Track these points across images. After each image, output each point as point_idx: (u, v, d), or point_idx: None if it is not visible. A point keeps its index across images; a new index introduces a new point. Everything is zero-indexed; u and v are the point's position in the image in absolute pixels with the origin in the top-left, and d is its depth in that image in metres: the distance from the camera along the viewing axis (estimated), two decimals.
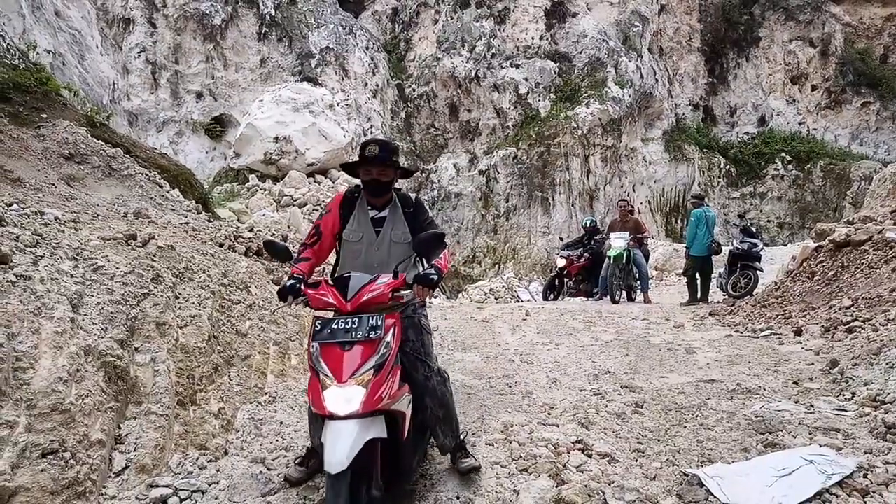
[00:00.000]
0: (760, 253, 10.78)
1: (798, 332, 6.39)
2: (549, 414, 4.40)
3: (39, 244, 3.67)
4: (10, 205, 4.28)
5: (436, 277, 2.99)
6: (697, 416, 4.24)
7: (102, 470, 3.02)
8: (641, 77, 26.49)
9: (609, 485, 3.27)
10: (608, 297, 11.28)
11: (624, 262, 11.12)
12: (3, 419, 2.67)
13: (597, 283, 12.44)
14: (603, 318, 8.41)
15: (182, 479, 3.28)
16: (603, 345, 6.71)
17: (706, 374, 5.28)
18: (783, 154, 27.46)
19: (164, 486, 3.16)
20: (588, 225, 13.96)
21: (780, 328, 6.80)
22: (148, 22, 21.57)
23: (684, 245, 12.11)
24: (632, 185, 26.11)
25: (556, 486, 3.25)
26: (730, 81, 29.72)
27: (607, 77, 25.77)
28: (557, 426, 4.12)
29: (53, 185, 5.79)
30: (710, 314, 8.44)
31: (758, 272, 10.54)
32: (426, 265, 3.18)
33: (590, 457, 3.63)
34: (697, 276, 10.97)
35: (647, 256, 12.42)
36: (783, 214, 27.11)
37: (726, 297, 10.66)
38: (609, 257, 11.10)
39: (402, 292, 2.99)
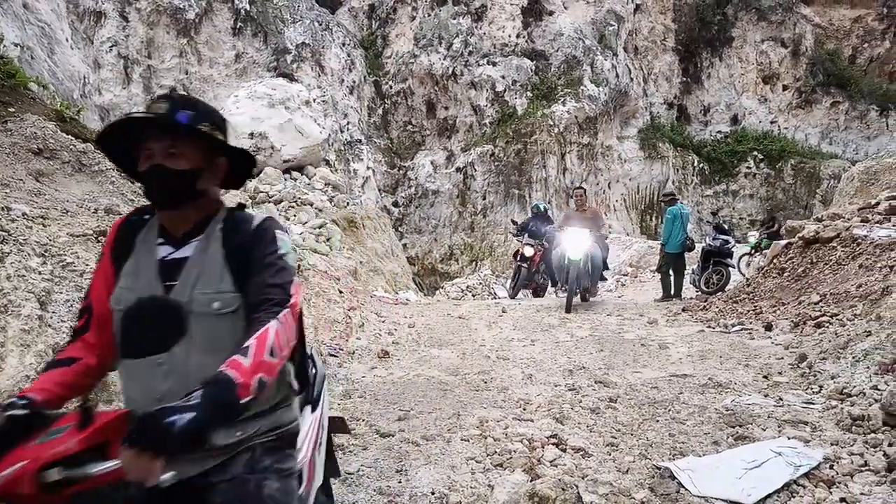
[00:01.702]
0: (732, 250, 10.95)
1: (768, 328, 6.51)
2: (524, 409, 4.43)
3: (6, 241, 3.59)
4: None
5: (186, 424, 1.29)
6: (670, 410, 4.30)
7: None
8: (617, 76, 26.70)
9: (583, 478, 3.31)
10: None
11: (583, 264, 9.33)
12: None
13: (549, 277, 11.77)
14: (578, 315, 8.48)
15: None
16: (578, 341, 6.77)
17: (679, 369, 5.35)
18: (755, 153, 27.91)
19: None
20: (539, 210, 12.72)
21: (750, 323, 6.92)
22: (120, 16, 21.20)
23: (659, 242, 12.24)
24: (607, 182, 26.34)
25: (531, 481, 3.28)
26: (703, 81, 30.11)
27: (583, 75, 25.93)
28: (532, 421, 4.15)
29: (21, 180, 5.67)
30: (684, 310, 8.56)
31: (730, 269, 10.71)
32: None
33: (564, 451, 3.66)
34: (671, 272, 11.11)
35: (606, 249, 10.80)
36: (755, 212, 27.54)
37: (699, 293, 10.82)
38: (567, 258, 9.19)
39: (82, 471, 1.33)
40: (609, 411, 4.34)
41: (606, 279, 12.52)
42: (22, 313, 3.13)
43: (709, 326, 7.26)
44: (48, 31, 10.25)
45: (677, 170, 27.74)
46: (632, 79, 27.83)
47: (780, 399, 4.30)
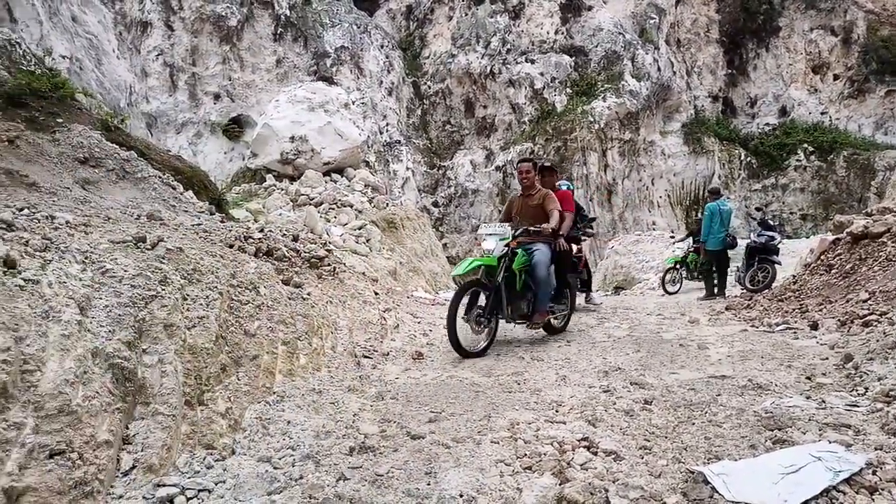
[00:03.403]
0: (778, 246, 10.65)
1: (814, 327, 6.30)
2: (556, 411, 4.38)
3: (48, 248, 3.73)
4: (21, 209, 4.37)
5: None
6: (706, 412, 4.19)
7: (110, 470, 3.07)
8: (659, 69, 26.24)
9: (613, 482, 3.25)
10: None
11: (501, 275, 6.03)
12: (11, 421, 2.72)
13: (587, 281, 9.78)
14: (616, 314, 8.36)
15: (189, 478, 3.32)
16: (614, 341, 6.67)
17: (718, 370, 5.22)
18: (805, 145, 27.09)
19: (170, 486, 3.20)
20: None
21: (796, 322, 6.70)
22: (165, 25, 21.83)
23: (700, 239, 11.99)
24: (650, 178, 25.92)
25: (560, 484, 3.24)
26: (749, 72, 29.35)
27: (624, 70, 25.58)
28: (564, 424, 4.09)
29: (68, 188, 5.89)
30: (727, 309, 8.35)
31: (776, 265, 10.40)
32: None
33: (595, 454, 3.60)
34: (714, 270, 10.87)
35: (567, 255, 7.14)
36: (806, 206, 26.72)
37: (744, 291, 10.54)
38: (456, 273, 6.11)
39: None
40: (643, 413, 4.25)
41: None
42: (62, 318, 3.24)
43: (752, 326, 7.06)
44: (95, 42, 10.62)
45: (723, 164, 27.11)
46: (674, 72, 27.31)
47: (823, 401, 4.14)
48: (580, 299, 9.27)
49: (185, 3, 22.21)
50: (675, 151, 26.37)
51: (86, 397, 3.07)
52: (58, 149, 6.50)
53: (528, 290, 6.32)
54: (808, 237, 22.89)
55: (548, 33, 26.59)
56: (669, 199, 26.31)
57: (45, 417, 2.87)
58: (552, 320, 6.87)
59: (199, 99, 22.50)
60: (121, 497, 3.04)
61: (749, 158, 27.44)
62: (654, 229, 24.01)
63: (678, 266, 15.60)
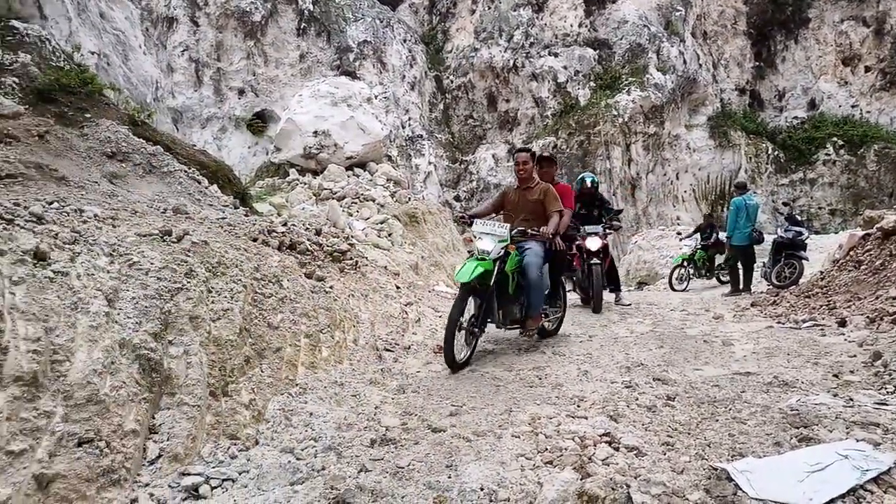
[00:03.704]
0: (806, 241, 10.47)
1: (842, 323, 6.19)
2: (578, 406, 4.36)
3: (77, 241, 3.81)
4: (51, 203, 4.45)
5: None
6: (730, 409, 4.15)
7: (136, 458, 3.13)
8: (684, 62, 25.90)
9: (635, 478, 3.23)
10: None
11: (471, 277, 5.16)
12: (41, 409, 2.79)
13: (614, 279, 9.24)
14: (640, 310, 8.29)
15: (213, 467, 3.37)
16: (637, 336, 6.62)
17: (742, 367, 5.16)
18: (835, 138, 26.55)
19: (195, 475, 3.25)
20: (586, 185, 9.44)
21: (823, 319, 6.59)
22: (190, 21, 22.05)
23: (725, 234, 11.84)
24: (675, 172, 25.63)
25: (581, 479, 3.23)
26: (777, 64, 28.82)
27: (649, 63, 25.29)
28: (586, 419, 4.08)
29: (96, 182, 5.99)
30: (752, 305, 8.24)
31: (803, 261, 10.24)
32: None
33: (617, 450, 3.59)
34: (739, 265, 10.73)
35: (562, 255, 6.60)
36: (835, 201, 26.23)
37: (770, 287, 10.39)
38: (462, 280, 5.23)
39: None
40: (666, 410, 4.22)
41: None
42: (90, 310, 3.31)
43: (778, 322, 6.96)
44: (123, 38, 10.77)
45: (750, 158, 26.70)
46: (700, 65, 26.93)
47: (851, 399, 4.08)
48: (608, 297, 8.90)
49: None
50: (700, 145, 26.02)
51: (113, 387, 3.13)
52: (86, 143, 6.61)
53: (521, 292, 5.70)
54: (836, 233, 22.47)
55: (571, 26, 26.37)
56: (694, 194, 25.99)
57: (73, 406, 2.93)
58: (545, 323, 6.34)
59: (224, 94, 22.71)
60: (147, 485, 3.10)
61: (777, 152, 26.97)
62: (678, 224, 23.74)
63: (686, 264, 15.40)
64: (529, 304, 5.73)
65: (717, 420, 4.00)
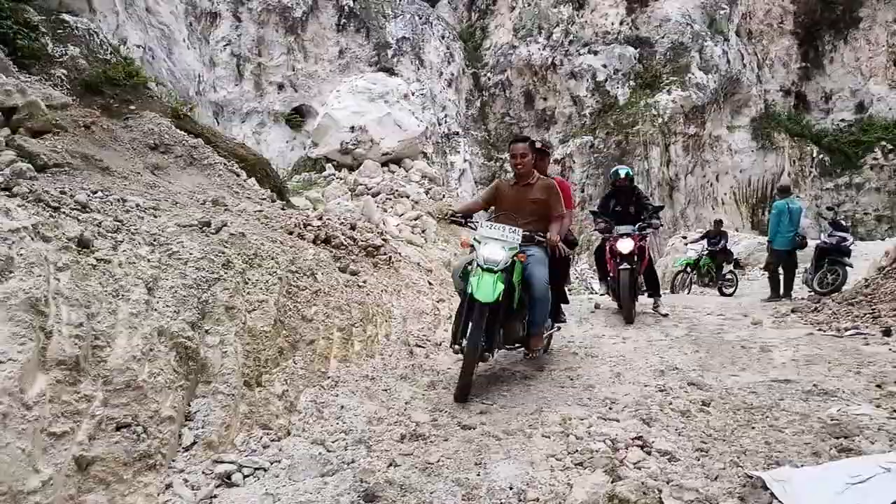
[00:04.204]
0: (850, 247, 10.16)
1: (887, 332, 6.00)
2: (609, 409, 4.31)
3: (120, 230, 3.89)
4: (96, 192, 4.57)
5: None
6: (767, 416, 4.05)
7: (172, 444, 3.19)
8: (728, 62, 25.40)
9: (667, 483, 3.18)
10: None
11: (496, 295, 4.38)
12: (82, 393, 2.86)
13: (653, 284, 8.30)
14: (675, 313, 8.15)
15: (246, 456, 3.42)
16: (672, 340, 6.51)
17: (781, 374, 5.03)
18: (883, 142, 25.75)
19: (228, 463, 3.31)
20: (619, 177, 8.36)
21: (866, 328, 6.40)
22: (233, 16, 22.39)
23: (767, 239, 11.56)
24: (715, 174, 25.15)
25: (611, 482, 3.19)
26: (825, 65, 28.02)
27: (691, 62, 24.86)
28: (617, 421, 4.03)
29: (139, 173, 6.12)
30: (793, 311, 8.03)
31: (847, 268, 9.93)
32: None
33: (649, 454, 3.53)
34: (780, 270, 10.47)
35: (566, 262, 6.00)
36: (882, 207, 25.44)
37: (811, 293, 10.12)
38: (467, 290, 4.51)
39: None
40: (700, 415, 4.14)
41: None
42: (131, 298, 3.38)
43: (819, 329, 6.78)
44: (167, 32, 10.99)
45: (793, 161, 26.05)
46: (744, 65, 26.36)
47: (894, 411, 3.95)
48: (643, 302, 8.29)
49: None
50: (742, 147, 25.48)
51: (151, 374, 3.20)
52: (130, 135, 6.76)
53: (523, 307, 4.90)
54: (882, 239, 21.78)
55: (612, 24, 26.05)
56: (734, 197, 25.47)
57: (113, 391, 3.00)
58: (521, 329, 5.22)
59: (264, 89, 23.01)
60: (181, 471, 3.16)
61: (822, 156, 26.25)
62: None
63: (689, 269, 14.99)
64: (533, 320, 4.95)
65: (754, 427, 3.91)
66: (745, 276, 17.62)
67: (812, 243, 11.00)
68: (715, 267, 14.76)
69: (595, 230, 9.52)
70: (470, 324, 4.36)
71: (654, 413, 4.16)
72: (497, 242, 4.58)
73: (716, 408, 4.27)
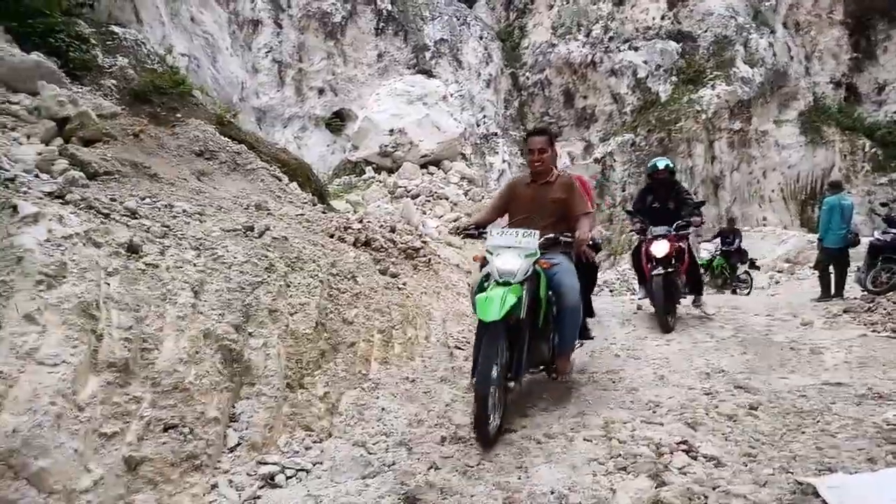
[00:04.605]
0: None
1: None
2: (653, 412, 4.24)
3: (167, 235, 4.00)
4: (144, 199, 4.70)
5: None
6: (819, 421, 3.93)
7: (217, 445, 3.26)
8: (774, 55, 24.71)
9: (713, 489, 3.10)
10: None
11: (502, 312, 3.60)
12: (131, 395, 2.95)
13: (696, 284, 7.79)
14: (720, 314, 7.96)
15: (289, 457, 3.48)
16: (718, 341, 6.36)
17: (833, 377, 4.87)
18: None
19: (272, 464, 3.37)
20: (657, 169, 7.64)
21: None
22: (274, 23, 22.76)
23: (817, 236, 11.20)
24: (762, 171, 24.50)
25: (656, 488, 3.13)
26: (878, 56, 26.97)
27: (735, 56, 24.27)
28: (661, 425, 3.95)
29: (185, 179, 6.29)
30: (845, 311, 7.76)
31: None
32: None
33: (695, 459, 3.46)
34: (831, 269, 10.13)
35: (593, 269, 5.60)
36: None
37: (864, 293, 9.76)
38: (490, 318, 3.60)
39: None
40: (748, 419, 4.03)
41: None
42: (178, 301, 3.47)
43: (873, 330, 6.53)
44: (211, 41, 11.26)
45: (845, 156, 25.17)
46: (791, 57, 25.61)
47: None
48: (685, 303, 7.87)
49: (293, 1, 23.08)
50: (790, 142, 24.74)
51: (197, 376, 3.28)
52: (176, 142, 6.95)
53: (548, 323, 4.26)
54: None
55: (653, 19, 25.62)
56: (783, 194, 24.73)
57: (160, 393, 3.08)
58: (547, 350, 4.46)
59: (305, 94, 23.33)
60: (227, 472, 3.23)
61: (874, 149, 25.26)
62: (764, 225, 22.70)
63: (702, 270, 14.44)
64: (562, 339, 4.32)
65: (804, 432, 3.79)
66: (794, 276, 17.07)
67: (865, 241, 10.61)
68: (729, 267, 14.24)
69: (631, 230, 9.07)
70: (479, 351, 3.65)
71: (699, 417, 4.07)
72: (511, 251, 3.96)
73: (764, 412, 4.16)
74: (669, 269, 7.04)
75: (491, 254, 4.02)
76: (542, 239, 4.08)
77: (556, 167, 4.81)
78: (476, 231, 4.51)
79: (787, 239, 19.93)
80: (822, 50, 27.25)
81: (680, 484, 3.14)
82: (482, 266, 4.20)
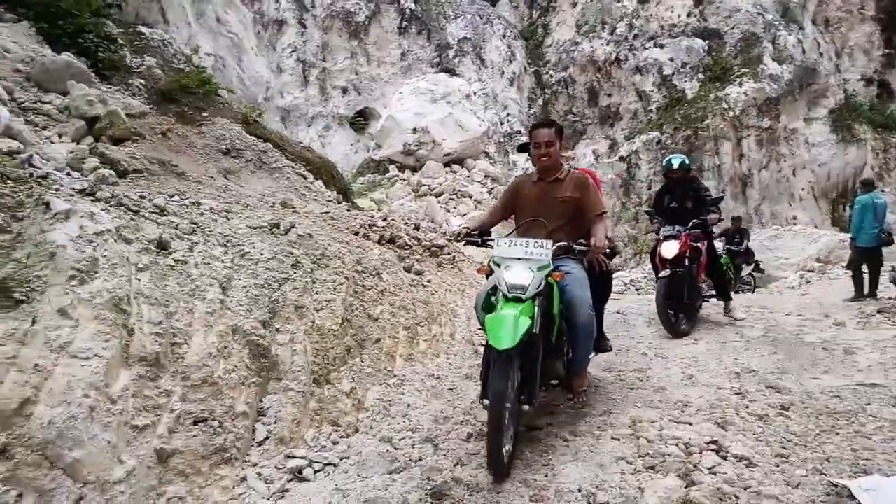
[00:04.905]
0: None
1: None
2: (682, 411, 4.18)
3: (195, 232, 4.04)
4: (172, 196, 4.76)
5: None
6: (853, 422, 3.84)
7: (246, 439, 3.29)
8: (803, 51, 24.26)
9: (744, 490, 3.06)
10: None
11: (518, 338, 3.19)
12: (162, 388, 2.98)
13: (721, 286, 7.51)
14: (750, 313, 7.83)
15: (316, 451, 3.50)
16: (748, 341, 6.26)
17: (867, 377, 4.76)
18: None
19: (299, 458, 3.39)
20: (672, 167, 7.27)
21: None
22: (298, 23, 22.93)
23: (849, 235, 10.97)
24: (791, 169, 24.07)
25: (685, 487, 3.09)
26: None
27: (763, 53, 23.88)
28: (690, 425, 3.90)
29: (212, 177, 6.35)
30: (879, 311, 7.58)
31: None
32: None
33: (724, 459, 3.41)
34: (864, 269, 9.91)
35: (608, 278, 4.80)
36: None
37: None
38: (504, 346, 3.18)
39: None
40: (780, 419, 3.96)
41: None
42: (207, 297, 3.51)
43: None
44: (237, 41, 11.36)
45: (877, 154, 24.62)
46: (821, 54, 25.12)
47: None
48: (713, 303, 7.66)
49: (318, 1, 23.23)
50: (820, 140, 24.26)
51: (226, 370, 3.30)
52: (203, 140, 7.02)
53: (562, 337, 3.82)
54: None
55: (679, 16, 25.30)
56: (813, 192, 24.26)
57: (190, 387, 3.11)
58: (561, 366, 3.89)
59: (329, 93, 23.46)
60: (255, 465, 3.25)
61: None
62: (794, 224, 22.28)
63: None
64: (576, 355, 3.94)
65: (838, 433, 3.72)
66: (825, 276, 16.72)
67: None
68: (734, 268, 13.87)
69: (651, 231, 8.71)
70: (490, 374, 3.28)
71: (729, 417, 4.01)
72: (522, 263, 3.55)
73: (796, 412, 4.08)
74: (677, 270, 6.71)
75: (498, 265, 3.61)
76: (555, 247, 3.68)
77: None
78: (479, 238, 4.02)
79: (818, 238, 19.53)
80: (853, 46, 26.67)
81: (710, 484, 3.09)
82: (488, 276, 3.84)
